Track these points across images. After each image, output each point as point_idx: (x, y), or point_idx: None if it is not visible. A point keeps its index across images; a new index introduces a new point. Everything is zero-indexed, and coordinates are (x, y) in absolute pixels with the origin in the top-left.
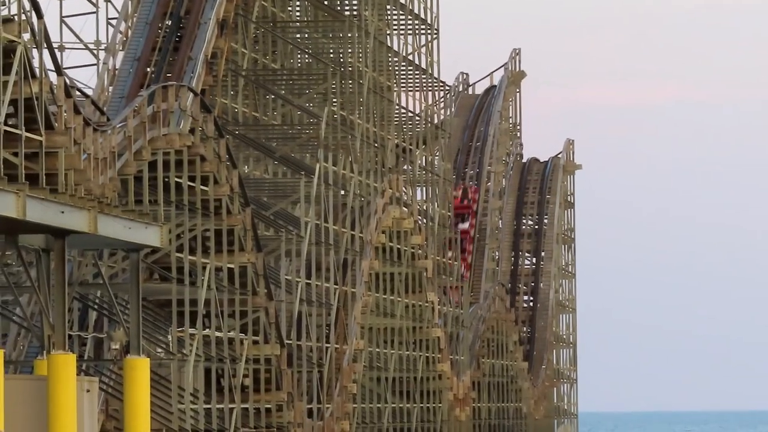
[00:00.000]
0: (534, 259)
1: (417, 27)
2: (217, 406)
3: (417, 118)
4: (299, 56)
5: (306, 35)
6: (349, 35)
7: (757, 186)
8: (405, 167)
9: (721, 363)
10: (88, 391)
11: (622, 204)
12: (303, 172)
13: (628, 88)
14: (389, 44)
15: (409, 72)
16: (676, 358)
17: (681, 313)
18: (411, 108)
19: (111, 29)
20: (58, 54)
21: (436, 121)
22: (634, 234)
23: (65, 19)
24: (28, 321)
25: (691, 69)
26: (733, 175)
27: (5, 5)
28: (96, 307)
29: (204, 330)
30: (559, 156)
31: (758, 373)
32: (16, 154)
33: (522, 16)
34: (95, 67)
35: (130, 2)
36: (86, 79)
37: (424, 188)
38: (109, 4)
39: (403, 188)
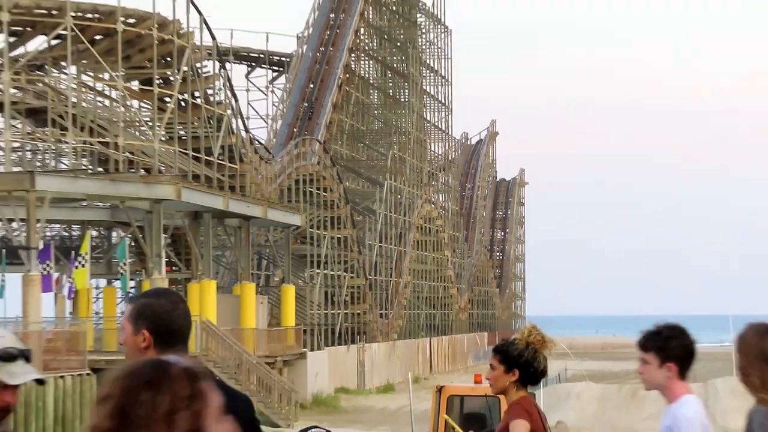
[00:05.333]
0: (503, 234)
1: (440, 106)
2: (330, 311)
3: (439, 156)
4: (376, 122)
5: (380, 111)
6: (403, 111)
7: None
8: (433, 183)
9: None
10: (261, 303)
11: (555, 205)
12: (378, 186)
13: (561, 139)
14: (425, 117)
15: (435, 131)
16: (600, 271)
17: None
18: (436, 151)
19: (274, 107)
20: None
21: (450, 158)
22: (563, 217)
23: (250, 102)
24: (230, 265)
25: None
26: None
27: (212, 90)
28: (266, 258)
29: (324, 270)
30: (516, 177)
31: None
32: (223, 175)
33: (498, 98)
34: (266, 127)
35: (284, 92)
36: (261, 133)
37: (443, 194)
38: (272, 94)
39: (432, 194)
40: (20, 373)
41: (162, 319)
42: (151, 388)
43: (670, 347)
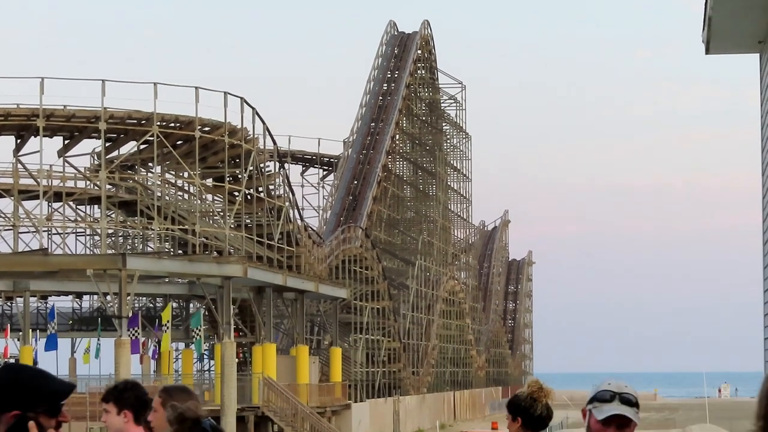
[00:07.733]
0: (514, 304)
1: (461, 199)
2: (371, 369)
3: (461, 240)
4: (409, 212)
5: (412, 203)
6: (432, 203)
7: None
8: (456, 263)
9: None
10: (313, 362)
11: (558, 278)
12: (410, 265)
13: (562, 224)
14: (449, 207)
15: (458, 220)
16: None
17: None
18: (459, 236)
19: (324, 200)
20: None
21: (470, 242)
22: (562, 287)
23: (305, 196)
24: (287, 331)
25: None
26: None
27: (273, 186)
28: (317, 325)
29: (365, 335)
30: (525, 258)
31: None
32: (282, 256)
33: (510, 191)
34: (318, 217)
35: (333, 188)
36: (314, 222)
37: (465, 272)
38: (323, 189)
39: (455, 272)
40: (607, 410)
41: None
42: None
43: (124, 398)
